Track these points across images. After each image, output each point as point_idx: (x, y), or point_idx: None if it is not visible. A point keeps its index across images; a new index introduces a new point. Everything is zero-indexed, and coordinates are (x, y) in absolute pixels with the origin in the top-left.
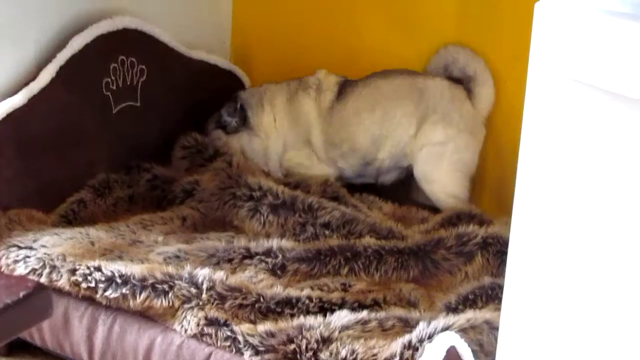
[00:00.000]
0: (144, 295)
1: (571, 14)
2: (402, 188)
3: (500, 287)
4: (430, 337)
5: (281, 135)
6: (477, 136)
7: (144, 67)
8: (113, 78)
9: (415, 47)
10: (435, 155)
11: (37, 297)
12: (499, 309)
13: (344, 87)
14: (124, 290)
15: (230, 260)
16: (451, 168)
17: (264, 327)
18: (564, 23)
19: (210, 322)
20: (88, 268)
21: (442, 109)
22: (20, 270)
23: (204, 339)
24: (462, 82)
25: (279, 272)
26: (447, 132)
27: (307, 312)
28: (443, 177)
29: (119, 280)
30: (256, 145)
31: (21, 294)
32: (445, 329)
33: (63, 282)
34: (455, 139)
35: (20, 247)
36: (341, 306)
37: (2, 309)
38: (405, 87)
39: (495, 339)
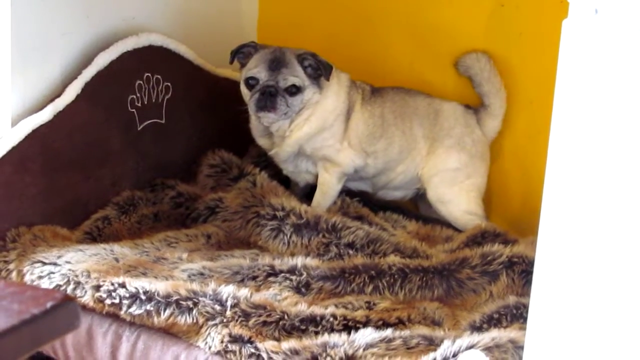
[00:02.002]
0: (168, 312)
1: (599, 31)
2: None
3: (525, 307)
4: (454, 356)
5: (336, 111)
6: (486, 160)
7: (169, 84)
8: (138, 95)
9: (440, 68)
10: (449, 180)
11: (64, 309)
12: (523, 329)
13: (375, 90)
14: (148, 307)
15: (254, 278)
16: (464, 189)
17: (288, 344)
18: (591, 41)
19: (234, 339)
20: (112, 284)
21: (456, 133)
22: (45, 286)
23: (228, 356)
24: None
25: (303, 290)
26: (460, 158)
27: (332, 330)
28: (457, 197)
29: (143, 297)
30: (306, 104)
31: (48, 305)
32: (470, 347)
33: (87, 298)
34: (468, 165)
35: (44, 263)
36: (365, 324)
37: (29, 319)
38: (424, 107)
39: (520, 358)
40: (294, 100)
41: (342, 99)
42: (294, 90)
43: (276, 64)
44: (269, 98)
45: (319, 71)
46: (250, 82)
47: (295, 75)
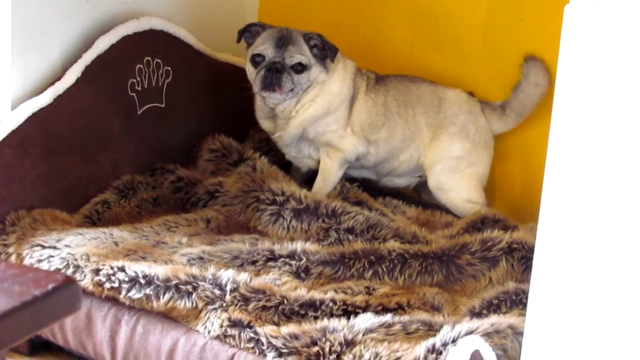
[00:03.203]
0: (167, 296)
1: (600, 17)
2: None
3: (525, 293)
4: (454, 341)
5: (341, 96)
6: (489, 149)
7: (169, 68)
8: (138, 79)
9: (440, 53)
10: (451, 168)
11: (66, 291)
12: (523, 315)
13: (380, 78)
14: (147, 291)
15: (254, 263)
16: (466, 177)
17: (287, 329)
18: (593, 26)
19: (234, 323)
20: (112, 268)
21: (460, 121)
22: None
23: (227, 340)
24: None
25: (302, 274)
26: (464, 146)
27: (331, 315)
28: (458, 185)
29: (142, 281)
30: (312, 83)
31: (49, 287)
32: (469, 333)
33: (86, 282)
34: (471, 154)
35: (44, 247)
36: (365, 309)
37: (31, 301)
38: (428, 95)
39: (519, 344)
40: (300, 78)
41: (348, 84)
42: (300, 68)
43: (283, 41)
44: (275, 74)
45: (325, 52)
46: (257, 59)
47: (302, 53)
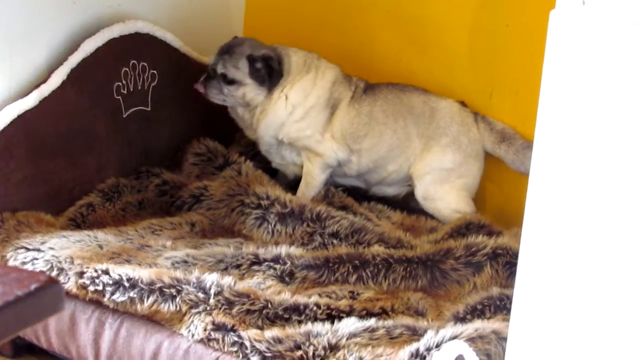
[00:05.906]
0: (151, 299)
1: (586, 22)
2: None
3: (509, 298)
4: (438, 346)
5: (307, 105)
6: (480, 160)
7: (155, 71)
8: (124, 82)
9: (426, 58)
10: (441, 178)
11: (49, 291)
12: (507, 320)
13: (369, 87)
14: (131, 294)
15: (238, 266)
16: (455, 188)
17: (271, 333)
18: (578, 32)
19: (218, 327)
20: (96, 271)
21: (452, 132)
22: None
23: (211, 344)
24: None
25: (287, 279)
26: (455, 158)
27: (315, 319)
28: (447, 195)
29: (126, 284)
30: (251, 101)
31: (32, 287)
32: (453, 338)
33: (70, 284)
34: (462, 165)
35: (28, 249)
36: (349, 314)
37: (13, 301)
38: (419, 105)
39: (503, 349)
40: (232, 90)
41: (319, 93)
42: (228, 80)
43: (224, 49)
44: (207, 79)
45: (271, 75)
46: None
47: (235, 67)
